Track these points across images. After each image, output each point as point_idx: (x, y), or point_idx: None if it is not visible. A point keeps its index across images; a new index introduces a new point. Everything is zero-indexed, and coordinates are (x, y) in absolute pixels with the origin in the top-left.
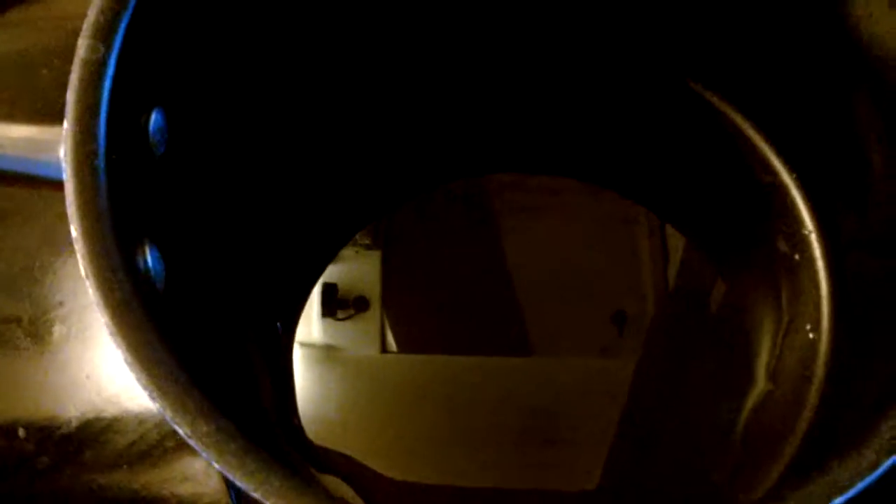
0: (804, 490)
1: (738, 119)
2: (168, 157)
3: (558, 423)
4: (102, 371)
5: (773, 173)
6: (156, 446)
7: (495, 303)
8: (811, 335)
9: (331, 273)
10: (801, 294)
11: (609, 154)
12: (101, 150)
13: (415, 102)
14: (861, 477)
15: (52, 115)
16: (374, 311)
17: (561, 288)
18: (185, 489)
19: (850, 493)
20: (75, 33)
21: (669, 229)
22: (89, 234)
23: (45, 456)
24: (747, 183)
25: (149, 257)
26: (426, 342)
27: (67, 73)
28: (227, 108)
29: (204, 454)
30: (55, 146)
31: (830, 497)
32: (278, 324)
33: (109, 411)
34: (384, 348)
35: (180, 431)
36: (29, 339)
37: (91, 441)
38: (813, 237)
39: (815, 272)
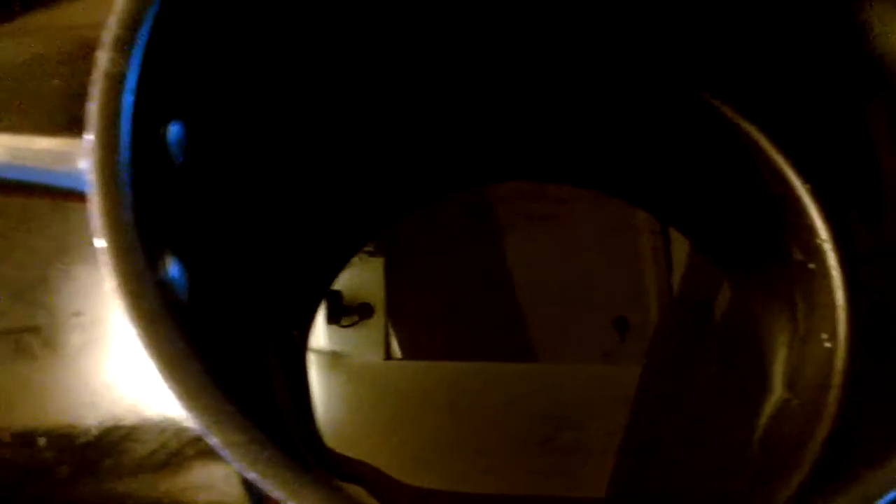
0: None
1: (751, 129)
2: (186, 169)
3: (563, 430)
4: (121, 380)
5: (787, 184)
6: (176, 454)
7: (499, 309)
8: (827, 344)
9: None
10: (816, 303)
11: (620, 163)
12: (125, 162)
13: (429, 112)
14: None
15: (64, 125)
16: (378, 318)
17: (565, 294)
18: (205, 497)
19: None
20: (81, 42)
21: (674, 237)
22: (116, 246)
23: (66, 465)
24: (760, 193)
25: (172, 268)
26: (430, 348)
27: (76, 82)
28: (243, 120)
29: (237, 464)
30: (75, 158)
31: None
32: (294, 332)
33: (129, 420)
34: (388, 355)
35: (213, 441)
36: (46, 347)
37: (111, 449)
38: (827, 246)
39: (829, 281)
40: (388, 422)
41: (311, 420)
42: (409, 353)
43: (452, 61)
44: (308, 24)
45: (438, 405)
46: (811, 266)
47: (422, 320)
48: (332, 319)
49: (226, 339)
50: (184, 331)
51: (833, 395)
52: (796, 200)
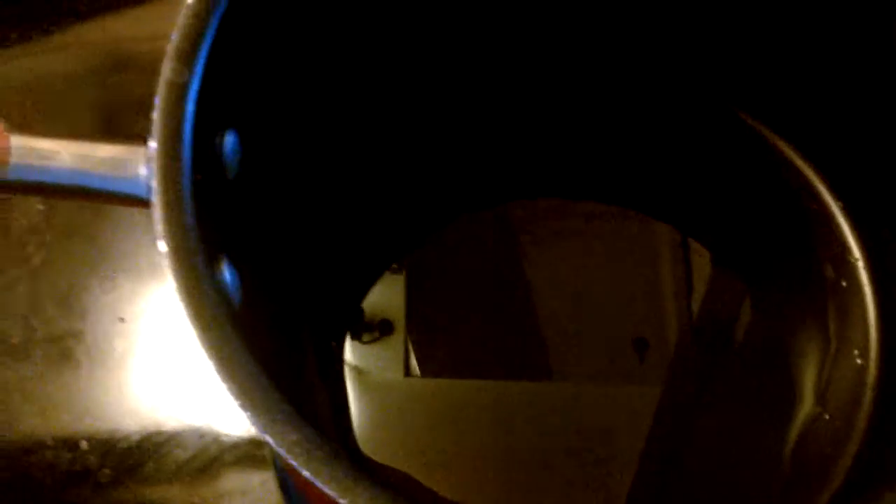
0: None
1: (784, 146)
2: (239, 178)
3: (582, 447)
4: (162, 385)
5: (820, 201)
6: (215, 460)
7: (518, 328)
8: (859, 360)
9: None
10: (848, 320)
11: (649, 180)
12: (187, 170)
13: (459, 129)
14: None
15: (108, 133)
16: (399, 335)
17: (585, 313)
18: (242, 502)
19: None
20: (111, 57)
21: (695, 256)
22: (178, 250)
23: (107, 468)
24: (792, 210)
25: (227, 274)
26: (449, 366)
27: (107, 95)
28: (291, 132)
29: (293, 463)
30: (136, 165)
31: None
32: (333, 343)
33: (170, 425)
34: (408, 371)
35: (269, 441)
36: (89, 353)
37: (152, 454)
38: (860, 264)
39: (862, 298)
40: (407, 437)
41: (350, 430)
42: (428, 371)
43: (482, 80)
44: (349, 44)
45: (457, 422)
46: (843, 284)
47: (441, 338)
48: (354, 335)
49: (272, 346)
50: (239, 334)
51: (864, 411)
52: (829, 218)
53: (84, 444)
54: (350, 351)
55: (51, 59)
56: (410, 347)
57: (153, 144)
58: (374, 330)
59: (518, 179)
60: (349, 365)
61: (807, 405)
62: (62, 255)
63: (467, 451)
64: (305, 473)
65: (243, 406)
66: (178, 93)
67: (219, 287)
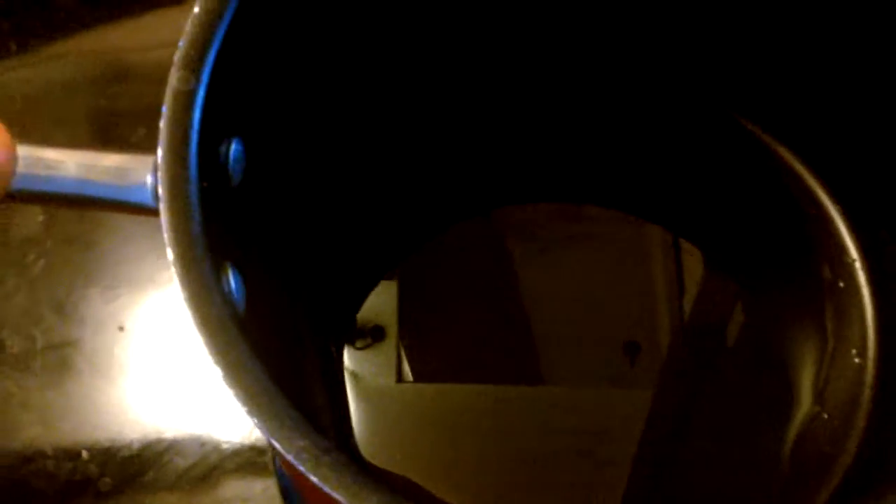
0: None
1: (782, 150)
2: (242, 186)
3: (574, 451)
4: (163, 394)
5: (817, 203)
6: (216, 468)
7: (510, 332)
8: (857, 360)
9: None
10: (845, 320)
11: (646, 184)
12: (194, 178)
13: (456, 136)
14: None
15: (107, 143)
16: (391, 341)
17: (577, 317)
18: None
19: None
20: (109, 66)
21: (686, 258)
22: (185, 258)
23: (108, 477)
24: (790, 212)
25: (231, 281)
26: (442, 371)
27: (105, 104)
28: (296, 139)
29: (301, 468)
30: (142, 173)
31: None
32: (333, 348)
33: (170, 433)
34: (400, 378)
35: (277, 446)
36: (89, 362)
37: (153, 463)
38: (857, 265)
39: (860, 299)
40: (403, 442)
41: (350, 434)
42: (421, 376)
43: (477, 84)
44: (350, 54)
45: (451, 427)
46: (841, 284)
47: (434, 343)
48: (348, 341)
49: (275, 352)
50: (245, 340)
51: (863, 410)
52: (826, 219)
53: (84, 454)
54: (347, 356)
55: (49, 69)
56: (403, 353)
57: (160, 152)
58: (366, 336)
59: (511, 184)
60: (347, 370)
61: (805, 405)
62: (62, 264)
63: (462, 456)
64: (314, 479)
65: (251, 412)
66: (184, 101)
67: (225, 294)
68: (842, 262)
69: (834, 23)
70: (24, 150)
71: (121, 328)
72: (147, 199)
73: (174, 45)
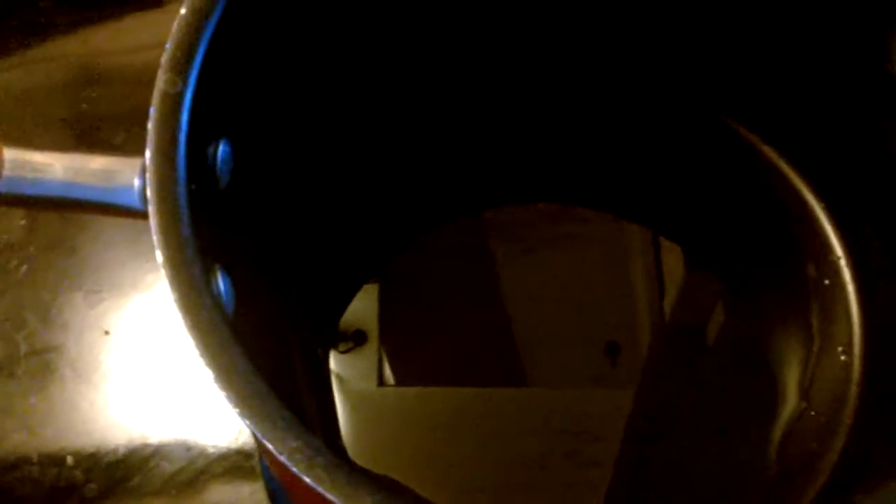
0: None
1: (767, 149)
2: (230, 188)
3: (556, 452)
4: (148, 398)
5: (803, 203)
6: (203, 472)
7: (491, 335)
8: (843, 357)
9: None
10: (831, 317)
11: (631, 183)
12: (182, 180)
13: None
14: None
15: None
16: (372, 345)
17: (558, 319)
18: None
19: None
20: (81, 71)
21: (667, 257)
22: (175, 260)
23: (93, 483)
24: (776, 212)
25: (220, 283)
26: (424, 374)
27: (78, 109)
28: (284, 141)
29: (295, 469)
30: (129, 176)
31: None
32: (320, 350)
33: (156, 438)
34: (381, 381)
35: (270, 447)
36: (74, 367)
37: (138, 468)
38: (842, 262)
39: (845, 296)
40: (387, 444)
41: (338, 436)
42: (402, 380)
43: (462, 87)
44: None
45: (433, 430)
46: (826, 282)
47: (415, 347)
48: (331, 345)
49: (264, 354)
50: (236, 342)
51: (850, 407)
52: (811, 218)
53: (69, 459)
54: (332, 360)
55: (29, 73)
56: (384, 357)
57: (148, 154)
58: (348, 340)
59: (496, 186)
60: (333, 373)
61: (791, 403)
62: (45, 269)
63: (445, 458)
64: (307, 480)
65: (243, 413)
66: (172, 103)
67: (214, 296)
68: (827, 259)
69: (819, 24)
70: (10, 153)
71: (105, 332)
72: (134, 202)
73: (154, 47)
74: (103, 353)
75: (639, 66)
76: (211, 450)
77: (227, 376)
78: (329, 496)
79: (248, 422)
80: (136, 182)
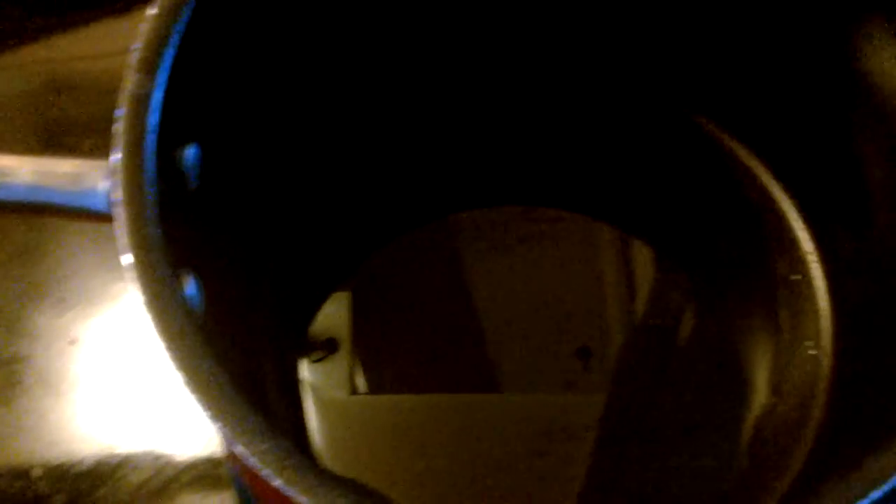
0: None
1: (736, 146)
2: (199, 191)
3: (529, 456)
4: (115, 408)
5: (772, 199)
6: (172, 481)
7: (463, 341)
8: (812, 351)
9: None
10: (800, 313)
11: (600, 183)
12: (150, 181)
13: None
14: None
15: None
16: (344, 353)
17: (529, 324)
18: None
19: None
20: (49, 79)
21: (637, 256)
22: (143, 263)
23: (61, 494)
24: (745, 209)
25: (189, 286)
26: (396, 382)
27: (46, 116)
28: (254, 144)
29: (264, 471)
30: (97, 180)
31: None
32: (289, 357)
33: (124, 448)
34: (353, 390)
35: (239, 450)
36: (40, 377)
37: (106, 479)
38: (812, 258)
39: (814, 292)
40: (360, 452)
41: (308, 444)
42: (375, 388)
43: (432, 93)
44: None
45: (406, 438)
46: (795, 277)
47: (387, 355)
48: (302, 353)
49: (234, 359)
50: (206, 346)
51: (819, 401)
52: (781, 215)
53: (36, 471)
54: (304, 368)
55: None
56: (356, 365)
57: (117, 156)
58: (320, 348)
59: (465, 189)
60: (304, 382)
61: (761, 397)
62: (10, 278)
63: (419, 465)
64: (278, 482)
65: (213, 417)
66: (141, 104)
67: (183, 300)
68: (797, 256)
69: (787, 21)
70: None
71: (71, 342)
72: (102, 206)
73: (123, 54)
74: (70, 363)
75: (607, 64)
76: (179, 458)
77: (197, 379)
78: (301, 499)
79: (218, 424)
80: (104, 185)
